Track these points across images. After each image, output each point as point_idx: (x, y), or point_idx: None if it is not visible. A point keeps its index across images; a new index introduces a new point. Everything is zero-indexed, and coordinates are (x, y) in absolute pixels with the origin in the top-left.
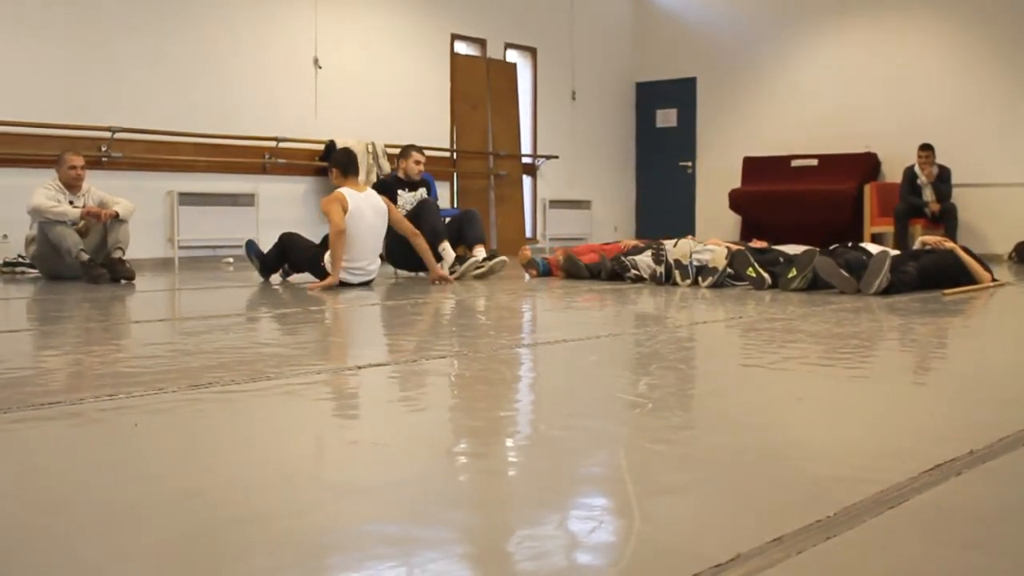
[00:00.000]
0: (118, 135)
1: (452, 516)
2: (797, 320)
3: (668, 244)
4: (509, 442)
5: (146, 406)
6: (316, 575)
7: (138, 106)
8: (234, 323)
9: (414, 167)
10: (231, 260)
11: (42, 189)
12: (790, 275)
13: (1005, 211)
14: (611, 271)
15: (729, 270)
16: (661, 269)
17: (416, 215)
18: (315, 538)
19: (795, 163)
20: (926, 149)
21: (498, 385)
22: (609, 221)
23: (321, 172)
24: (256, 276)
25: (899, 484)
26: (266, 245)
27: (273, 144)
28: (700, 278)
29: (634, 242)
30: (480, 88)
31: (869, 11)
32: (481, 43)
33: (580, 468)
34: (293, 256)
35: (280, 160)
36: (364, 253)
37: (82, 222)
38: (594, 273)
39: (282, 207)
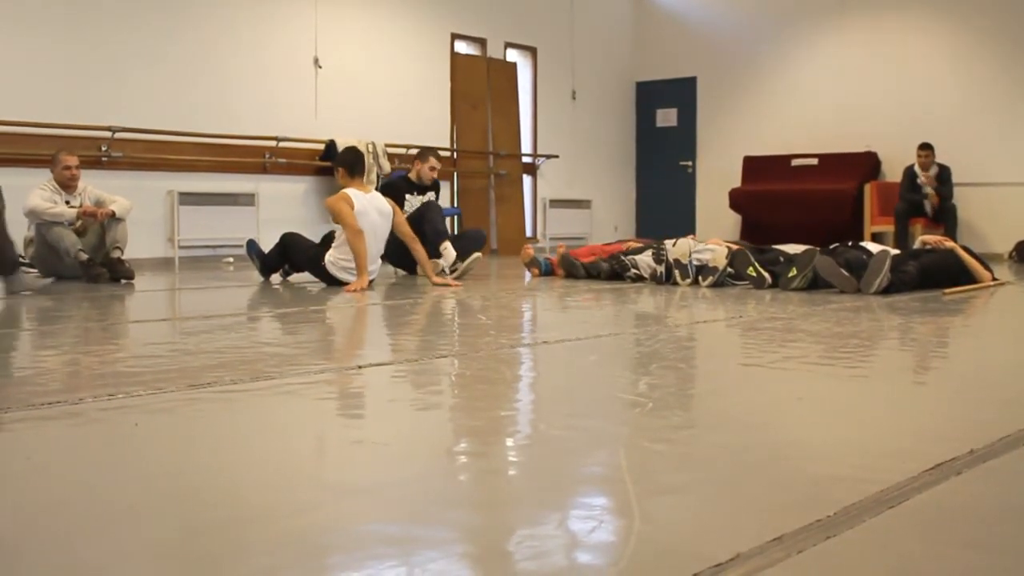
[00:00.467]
0: (118, 135)
1: (452, 516)
2: (797, 319)
3: (668, 243)
4: (509, 442)
5: (146, 406)
6: (316, 575)
7: (138, 106)
8: (234, 323)
9: (428, 172)
10: (231, 260)
11: (38, 190)
12: (790, 274)
13: (1005, 210)
14: (610, 270)
15: (729, 269)
16: (661, 268)
17: (420, 215)
18: (315, 538)
19: (795, 163)
20: (926, 148)
21: (498, 385)
22: (609, 221)
23: (321, 172)
24: (256, 276)
25: (899, 484)
26: (267, 245)
27: (273, 144)
28: (700, 277)
29: (635, 244)
30: (480, 88)
31: (869, 11)
32: (481, 43)
33: (580, 468)
34: (294, 256)
35: (280, 160)
36: (368, 256)
37: (79, 222)
38: (592, 273)
39: (282, 207)
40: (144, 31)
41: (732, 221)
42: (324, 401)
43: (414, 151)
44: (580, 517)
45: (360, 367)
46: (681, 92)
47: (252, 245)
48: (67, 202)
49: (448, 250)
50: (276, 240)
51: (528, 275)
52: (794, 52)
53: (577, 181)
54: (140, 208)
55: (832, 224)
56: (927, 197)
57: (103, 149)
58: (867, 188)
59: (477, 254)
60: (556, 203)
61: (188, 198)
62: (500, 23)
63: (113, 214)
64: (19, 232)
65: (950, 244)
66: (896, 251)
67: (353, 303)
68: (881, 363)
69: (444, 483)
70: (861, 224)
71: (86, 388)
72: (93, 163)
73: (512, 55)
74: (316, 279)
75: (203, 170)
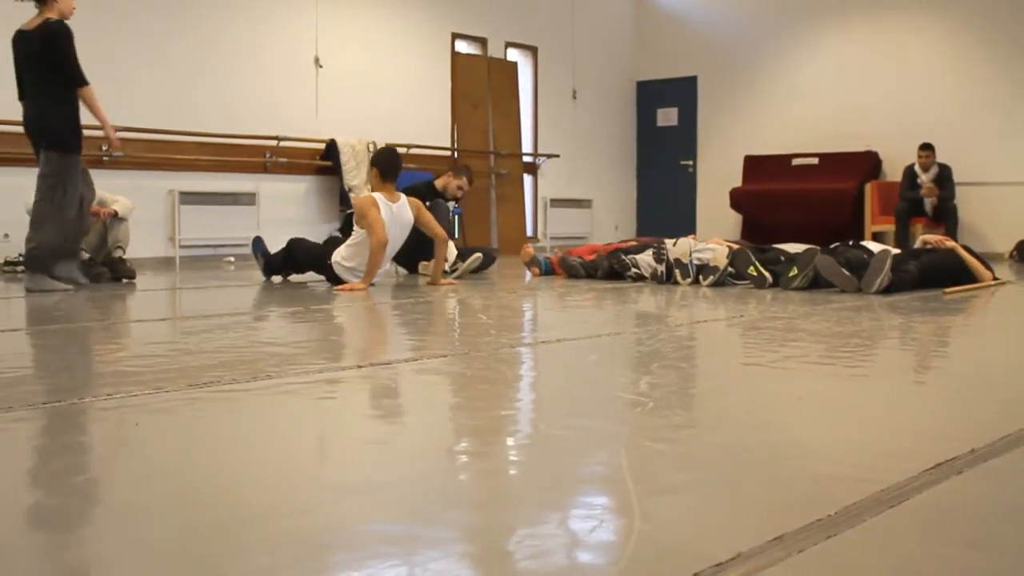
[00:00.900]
0: (119, 134)
1: (453, 515)
2: (798, 319)
3: (669, 243)
4: (510, 441)
5: (146, 406)
6: (317, 574)
7: (139, 105)
8: (235, 322)
9: (456, 190)
10: (232, 259)
11: None
12: (791, 274)
13: (1006, 210)
14: (609, 269)
15: (730, 269)
16: (662, 268)
17: None
18: (316, 537)
19: (796, 162)
20: (926, 149)
21: (499, 384)
22: (610, 220)
23: (322, 171)
24: (257, 275)
25: (900, 483)
26: (268, 244)
27: (274, 143)
28: (701, 277)
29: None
30: (481, 87)
31: (870, 11)
32: (482, 42)
33: (581, 467)
34: (301, 258)
35: (281, 159)
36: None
37: None
38: (590, 272)
39: (283, 206)
40: (145, 31)
41: (733, 220)
42: (324, 401)
43: (415, 151)
44: (580, 516)
45: (360, 366)
46: (682, 92)
47: (258, 243)
48: None
49: (451, 250)
50: (278, 240)
51: (528, 274)
52: (795, 52)
53: (578, 180)
54: (141, 208)
55: (833, 223)
56: (924, 187)
57: (104, 149)
58: (868, 188)
59: (478, 254)
60: (557, 202)
61: (189, 198)
62: (501, 22)
63: (115, 214)
64: (20, 231)
65: (951, 244)
66: (897, 250)
67: (353, 303)
68: (882, 362)
69: (445, 483)
70: (862, 223)
71: (86, 388)
72: (94, 163)
73: (513, 54)
74: (322, 278)
75: (204, 170)
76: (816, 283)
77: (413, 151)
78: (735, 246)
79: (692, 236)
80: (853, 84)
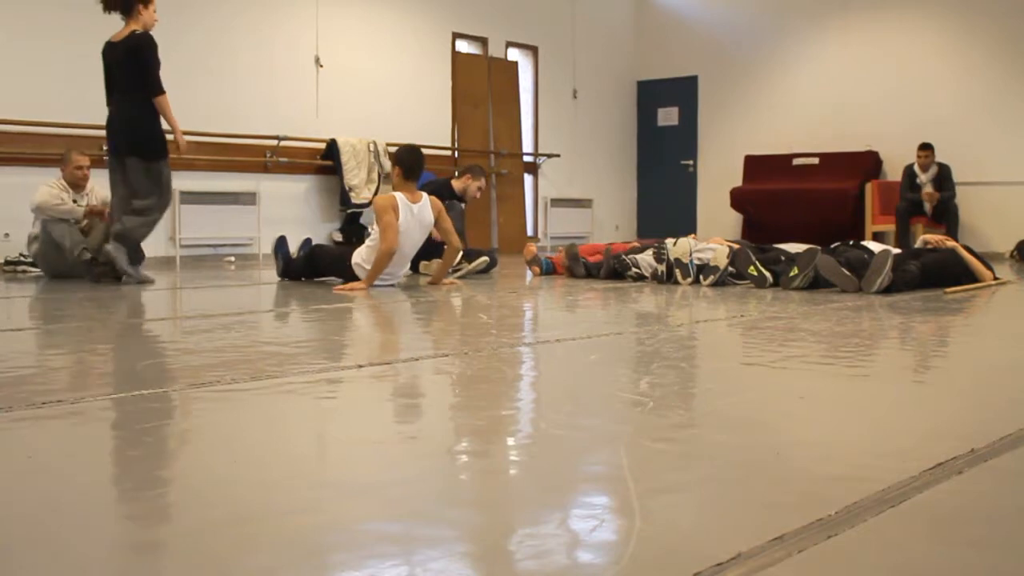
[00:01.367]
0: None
1: (453, 515)
2: (798, 319)
3: (669, 242)
4: (510, 441)
5: (146, 406)
6: (317, 574)
7: None
8: (235, 322)
9: (475, 192)
10: (232, 259)
11: (45, 187)
12: (791, 274)
13: (1006, 210)
14: (611, 269)
15: (731, 269)
16: (662, 268)
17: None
18: (316, 537)
19: (796, 162)
20: (925, 149)
21: (499, 384)
22: (610, 219)
23: (322, 171)
24: (258, 275)
25: (900, 483)
26: (267, 244)
27: (274, 143)
28: (701, 277)
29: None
30: (481, 86)
31: (870, 10)
32: (482, 41)
33: (581, 467)
34: (322, 262)
35: (281, 159)
36: (397, 264)
37: (85, 220)
38: (591, 272)
39: (284, 206)
40: None
41: (733, 220)
42: (324, 400)
43: None
44: (581, 516)
45: (360, 366)
46: (682, 91)
47: (282, 244)
48: (74, 201)
49: None
50: (279, 242)
51: (529, 274)
52: (795, 51)
53: (578, 180)
54: None
55: (833, 223)
56: (924, 186)
57: (104, 148)
58: (868, 187)
59: (484, 257)
60: (557, 202)
61: (190, 197)
62: (501, 22)
63: None
64: (23, 229)
65: (952, 243)
66: (897, 250)
67: (354, 303)
68: (882, 362)
69: (445, 482)
70: (862, 223)
71: (87, 387)
72: (95, 162)
73: (513, 54)
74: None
75: (204, 169)
76: (816, 283)
77: None
78: (735, 246)
79: (692, 236)
80: (853, 84)
